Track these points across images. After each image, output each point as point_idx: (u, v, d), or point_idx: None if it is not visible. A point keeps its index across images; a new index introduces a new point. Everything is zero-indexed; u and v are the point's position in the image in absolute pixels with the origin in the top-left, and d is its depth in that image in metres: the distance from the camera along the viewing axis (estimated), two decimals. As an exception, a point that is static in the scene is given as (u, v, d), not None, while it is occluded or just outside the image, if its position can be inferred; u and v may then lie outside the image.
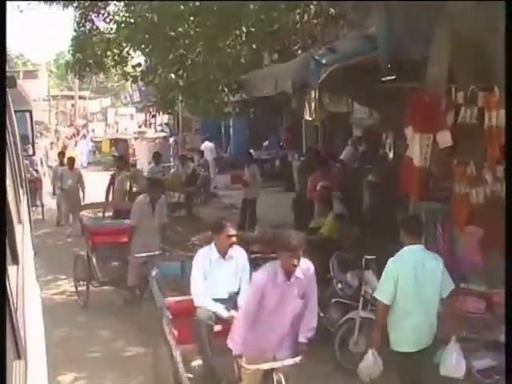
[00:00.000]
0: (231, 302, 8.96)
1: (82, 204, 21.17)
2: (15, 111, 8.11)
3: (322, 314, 10.32)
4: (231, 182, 29.00)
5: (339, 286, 10.51)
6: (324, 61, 9.64)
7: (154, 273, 9.72)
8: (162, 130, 42.15)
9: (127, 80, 20.03)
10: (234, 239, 8.94)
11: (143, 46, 15.76)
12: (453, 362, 8.02)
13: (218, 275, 8.90)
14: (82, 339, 11.91)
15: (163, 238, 13.23)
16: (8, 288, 3.04)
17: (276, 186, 26.51)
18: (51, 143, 43.05)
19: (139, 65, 18.44)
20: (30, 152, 12.82)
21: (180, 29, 13.86)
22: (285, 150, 31.11)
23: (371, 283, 9.54)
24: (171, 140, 36.47)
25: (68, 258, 15.31)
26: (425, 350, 8.04)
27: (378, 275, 9.14)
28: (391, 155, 21.68)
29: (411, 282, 7.79)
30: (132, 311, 12.93)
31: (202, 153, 29.45)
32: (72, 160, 22.72)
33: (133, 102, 55.08)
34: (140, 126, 54.34)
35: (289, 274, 7.47)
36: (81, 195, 21.92)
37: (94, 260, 13.58)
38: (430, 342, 8.02)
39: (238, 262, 9.06)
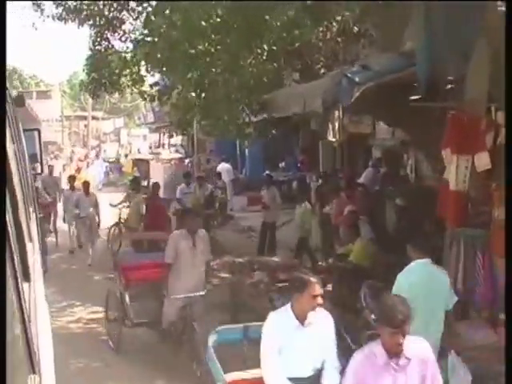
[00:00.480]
0: (313, 382, 7.21)
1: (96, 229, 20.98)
2: (24, 130, 8.36)
3: (353, 347, 9.73)
4: (248, 204, 28.46)
5: (372, 316, 9.79)
6: (357, 79, 9.05)
7: (211, 340, 8.08)
8: (177, 151, 41.58)
9: (144, 99, 19.53)
10: (320, 300, 7.05)
11: (161, 65, 15.22)
12: (461, 375, 8.03)
13: (295, 348, 7.04)
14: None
15: (207, 278, 11.94)
16: (23, 304, 3.08)
17: (294, 208, 25.82)
18: (64, 166, 42.33)
19: (156, 84, 17.96)
20: (39, 170, 12.46)
21: (200, 46, 13.31)
22: (302, 171, 30.53)
23: None
24: (186, 161, 35.94)
25: (84, 284, 14.83)
26: None
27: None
28: (412, 176, 21.15)
29: (419, 295, 7.66)
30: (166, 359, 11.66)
31: (219, 174, 28.84)
32: (87, 185, 21.92)
33: (146, 123, 54.82)
34: (151, 147, 53.81)
35: (394, 355, 6.14)
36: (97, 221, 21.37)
37: (127, 298, 12.34)
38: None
39: (322, 328, 7.24)
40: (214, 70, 13.84)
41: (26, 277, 4.02)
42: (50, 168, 28.59)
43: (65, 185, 29.26)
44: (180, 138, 46.87)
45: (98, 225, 21.54)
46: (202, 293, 11.12)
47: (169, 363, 11.31)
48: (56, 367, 3.91)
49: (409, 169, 21.68)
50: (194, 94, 14.33)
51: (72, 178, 23.99)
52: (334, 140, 13.93)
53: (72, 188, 22.82)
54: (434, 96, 11.58)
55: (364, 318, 10.06)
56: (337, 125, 13.11)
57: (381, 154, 23.87)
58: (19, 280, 3.16)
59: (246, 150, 34.58)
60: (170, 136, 22.96)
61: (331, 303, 13.10)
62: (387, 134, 21.51)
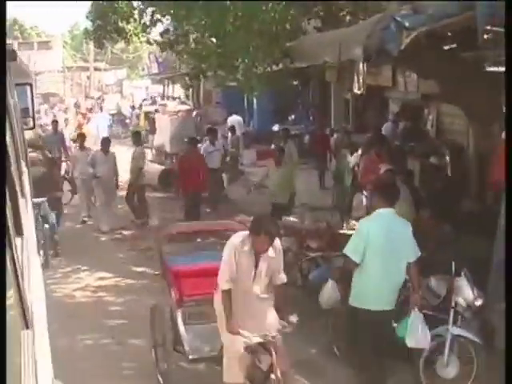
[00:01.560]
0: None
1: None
2: (16, 84, 8.25)
3: (395, 325, 8.75)
4: (257, 159, 27.36)
5: (419, 293, 8.67)
6: (407, 23, 7.93)
7: None
8: (184, 103, 40.30)
9: (159, 47, 18.27)
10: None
11: (175, 9, 14.05)
12: (419, 331, 8.04)
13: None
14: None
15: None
16: (16, 259, 3.16)
17: (306, 163, 24.73)
18: (66, 120, 39.70)
19: (167, 31, 16.81)
20: (31, 125, 11.67)
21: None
22: (313, 124, 29.50)
23: (464, 293, 7.85)
24: (194, 113, 34.77)
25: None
26: (386, 314, 8.20)
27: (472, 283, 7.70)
28: (433, 132, 20.18)
29: (380, 243, 8.08)
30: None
31: (232, 128, 27.72)
32: (108, 142, 19.96)
33: (150, 74, 53.79)
34: (152, 98, 52.41)
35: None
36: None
37: (179, 321, 8.79)
38: (391, 304, 8.23)
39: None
40: (233, 13, 12.68)
41: (19, 231, 4.13)
42: (55, 124, 27.09)
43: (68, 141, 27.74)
44: (182, 89, 45.83)
45: (117, 186, 19.75)
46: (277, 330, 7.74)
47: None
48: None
49: (429, 124, 20.68)
50: (213, 41, 13.17)
51: (81, 137, 21.83)
52: (358, 92, 12.75)
53: (82, 147, 20.64)
54: (472, 46, 10.64)
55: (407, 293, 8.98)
56: (361, 76, 11.87)
57: (399, 108, 22.91)
58: (12, 234, 3.27)
59: (254, 102, 33.56)
60: (190, 86, 21.31)
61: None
62: (408, 86, 20.42)
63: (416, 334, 8.03)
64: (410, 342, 8.11)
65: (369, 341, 8.24)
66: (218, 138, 21.38)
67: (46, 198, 14.83)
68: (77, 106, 50.85)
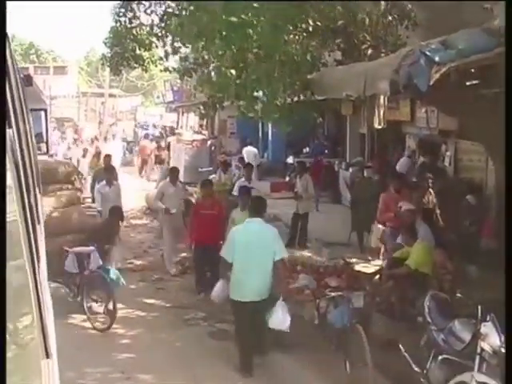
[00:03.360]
0: None
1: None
2: (31, 110, 8.53)
3: (416, 369, 8.43)
4: (271, 191, 27.09)
5: (441, 336, 8.29)
6: (437, 58, 7.66)
7: None
8: (200, 132, 40.13)
9: (180, 75, 17.96)
10: None
11: (196, 38, 13.79)
12: (279, 316, 9.74)
13: None
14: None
15: None
16: (38, 288, 3.09)
17: (321, 196, 24.46)
18: (85, 150, 32.91)
19: (186, 58, 16.61)
20: (44, 150, 11.61)
21: (243, 15, 11.87)
22: (328, 157, 29.27)
23: (490, 339, 7.46)
24: (209, 143, 34.58)
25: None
26: (256, 304, 9.96)
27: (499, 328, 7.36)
28: (451, 169, 19.86)
29: (245, 246, 10.08)
30: None
31: (242, 158, 27.45)
32: (177, 172, 17.74)
33: (166, 102, 53.76)
34: (164, 128, 52.08)
35: None
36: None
37: None
38: (264, 295, 10.02)
39: None
40: (254, 43, 12.43)
41: (37, 257, 3.94)
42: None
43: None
44: (197, 118, 45.70)
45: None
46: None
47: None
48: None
49: (447, 160, 20.37)
50: (232, 71, 12.90)
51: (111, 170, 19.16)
52: (379, 127, 12.58)
53: (109, 182, 17.91)
54: (493, 82, 10.46)
55: (430, 337, 8.66)
56: (382, 111, 11.69)
57: (416, 144, 22.64)
58: (35, 259, 3.26)
59: (269, 134, 33.36)
60: (205, 116, 20.67)
61: (384, 314, 11.88)
62: (426, 122, 20.16)
63: (276, 317, 9.71)
64: (271, 324, 9.80)
65: (245, 327, 10.13)
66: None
67: (94, 248, 13.11)
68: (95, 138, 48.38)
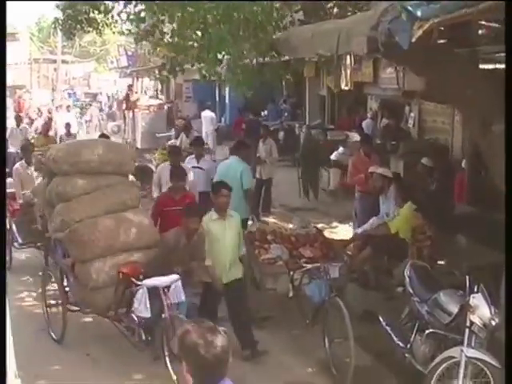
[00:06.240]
0: None
1: None
2: None
3: (401, 345, 8.02)
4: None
5: (425, 308, 7.86)
6: (419, 13, 7.15)
7: None
8: (157, 97, 39.39)
9: (136, 37, 17.27)
10: None
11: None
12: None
13: None
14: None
15: None
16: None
17: (282, 160, 23.96)
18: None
19: (143, 20, 15.89)
20: None
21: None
22: (287, 120, 28.84)
23: (480, 311, 7.03)
24: (165, 108, 33.93)
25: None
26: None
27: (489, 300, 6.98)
28: (415, 130, 19.48)
29: (222, 178, 11.42)
30: None
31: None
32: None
33: (119, 67, 52.78)
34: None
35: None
36: None
37: None
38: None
39: None
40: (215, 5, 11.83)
41: None
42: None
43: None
44: (152, 83, 44.96)
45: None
46: None
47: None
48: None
49: (411, 122, 19.98)
50: (193, 33, 12.34)
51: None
52: (346, 88, 12.06)
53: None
54: (466, 41, 10.05)
55: (412, 309, 8.22)
56: (349, 71, 11.15)
57: (378, 106, 22.24)
58: None
59: (226, 97, 32.82)
60: (165, 78, 19.51)
61: (363, 284, 11.49)
62: (390, 83, 19.68)
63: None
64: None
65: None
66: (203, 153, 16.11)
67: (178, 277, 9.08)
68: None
